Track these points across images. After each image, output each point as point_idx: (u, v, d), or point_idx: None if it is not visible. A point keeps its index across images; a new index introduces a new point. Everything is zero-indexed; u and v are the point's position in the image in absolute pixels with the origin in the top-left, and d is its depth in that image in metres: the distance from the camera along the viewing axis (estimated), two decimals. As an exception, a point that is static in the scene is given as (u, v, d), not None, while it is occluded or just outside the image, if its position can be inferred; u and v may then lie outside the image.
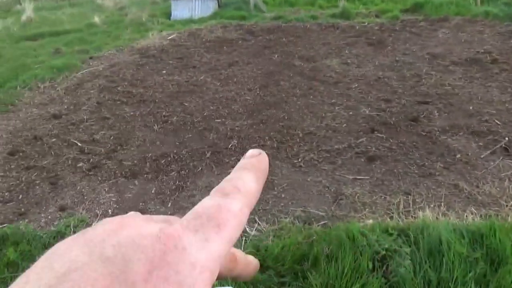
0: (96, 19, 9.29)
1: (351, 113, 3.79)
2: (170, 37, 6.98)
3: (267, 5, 9.11)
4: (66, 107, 4.44)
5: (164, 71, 5.32)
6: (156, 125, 3.86)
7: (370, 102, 3.99)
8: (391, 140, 3.30)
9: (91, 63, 5.94)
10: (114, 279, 0.18)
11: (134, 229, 0.21)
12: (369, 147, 3.23)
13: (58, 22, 9.69)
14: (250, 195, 0.24)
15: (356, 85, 4.41)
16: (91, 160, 3.36)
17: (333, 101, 4.06)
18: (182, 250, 0.20)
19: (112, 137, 3.69)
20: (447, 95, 3.98)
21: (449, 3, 7.19)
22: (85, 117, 4.12)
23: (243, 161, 0.27)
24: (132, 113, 4.14)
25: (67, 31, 8.45)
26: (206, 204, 0.23)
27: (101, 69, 5.63)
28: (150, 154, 3.34)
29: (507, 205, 2.47)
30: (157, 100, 4.40)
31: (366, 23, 6.81)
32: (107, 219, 0.24)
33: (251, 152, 0.27)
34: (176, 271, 0.19)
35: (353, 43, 5.88)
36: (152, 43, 6.71)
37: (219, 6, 9.03)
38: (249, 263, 0.31)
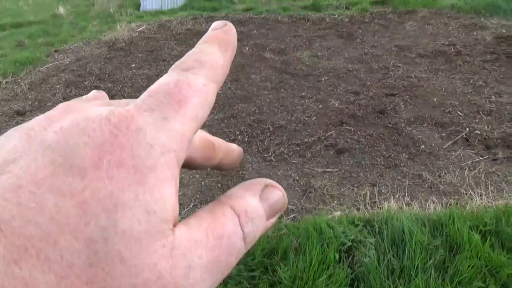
0: (61, 9, 8.98)
1: (320, 106, 3.85)
2: (139, 29, 6.84)
3: (238, -4, 9.05)
4: (30, 103, 4.30)
5: (134, 65, 5.22)
6: (125, 121, 3.79)
7: (339, 95, 4.06)
8: (359, 133, 3.38)
9: (56, 57, 5.75)
10: (56, 168, 0.16)
11: (80, 113, 0.19)
12: (338, 139, 3.30)
13: (20, 12, 9.31)
14: (216, 68, 0.21)
15: (326, 78, 4.47)
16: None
17: (303, 94, 4.11)
18: (136, 131, 0.17)
19: (79, 134, 3.61)
20: (413, 87, 4.10)
21: (416, -4, 7.35)
22: (51, 113, 4.00)
23: (206, 34, 0.23)
24: (100, 109, 4.05)
25: (30, 22, 8.14)
26: (162, 81, 0.20)
27: (67, 62, 5.46)
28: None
29: (466, 194, 2.59)
30: (126, 95, 4.32)
31: (337, 15, 6.88)
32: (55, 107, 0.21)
33: (215, 24, 0.24)
34: (131, 155, 0.17)
35: (323, 35, 5.93)
36: (121, 35, 6.55)
37: (189, -3, 8.90)
38: (231, 150, 0.27)
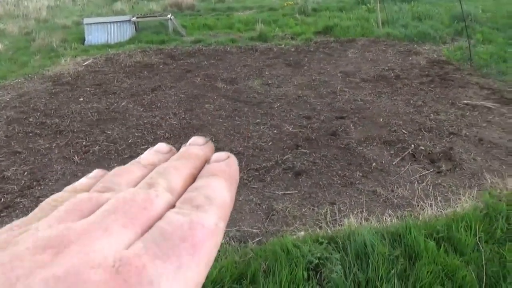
0: (-1, 45, 8.58)
1: (275, 131, 3.95)
2: (85, 63, 6.70)
3: (186, 28, 9.19)
4: (-32, 143, 4.01)
5: (82, 99, 5.08)
6: (76, 156, 3.65)
7: (292, 119, 4.20)
8: (314, 155, 3.49)
9: (-4, 94, 5.45)
10: None
11: (79, 251, 0.16)
12: (295, 162, 3.39)
13: (-47, 49, 8.76)
14: (225, 206, 0.20)
15: (278, 104, 4.62)
16: (2, 199, 3.07)
17: (257, 120, 4.20)
18: (148, 285, 0.16)
19: (26, 173, 3.41)
20: (360, 109, 4.34)
21: (355, 26, 7.90)
22: (-8, 152, 3.75)
23: (209, 166, 0.23)
24: (47, 145, 3.87)
25: (-35, 59, 7.67)
26: (174, 219, 0.18)
27: (8, 99, 5.19)
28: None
29: (418, 205, 2.75)
30: (75, 130, 4.17)
31: (283, 45, 7.19)
32: (37, 224, 0.18)
33: (217, 155, 0.24)
34: None
35: (272, 64, 6.16)
36: (66, 69, 6.37)
37: (136, 30, 8.89)
38: None
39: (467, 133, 3.70)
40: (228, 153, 0.24)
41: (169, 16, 8.86)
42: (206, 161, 0.23)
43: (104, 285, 0.15)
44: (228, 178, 0.22)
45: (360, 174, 3.20)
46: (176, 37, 8.33)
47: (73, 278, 0.15)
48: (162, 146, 0.26)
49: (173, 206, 0.20)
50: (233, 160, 0.23)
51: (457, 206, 2.66)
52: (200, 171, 0.22)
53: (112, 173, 0.23)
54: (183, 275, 0.17)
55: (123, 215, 0.18)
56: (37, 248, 0.16)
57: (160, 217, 0.19)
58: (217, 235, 0.19)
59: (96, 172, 0.24)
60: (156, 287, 0.16)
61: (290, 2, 12.10)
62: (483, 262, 2.11)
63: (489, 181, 2.96)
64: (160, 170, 0.22)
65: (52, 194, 0.21)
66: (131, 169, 0.23)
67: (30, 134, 4.11)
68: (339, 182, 3.12)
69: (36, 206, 0.21)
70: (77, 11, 13.33)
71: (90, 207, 0.19)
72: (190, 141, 0.25)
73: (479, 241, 2.26)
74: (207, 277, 2.04)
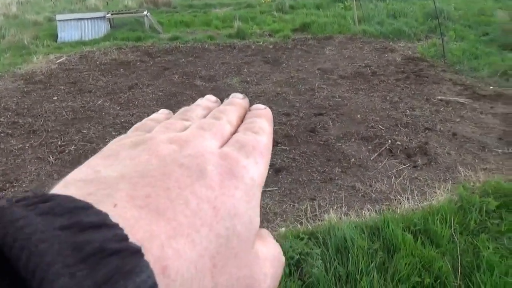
0: (-34, 43, 8.24)
1: (255, 128, 3.95)
2: (59, 61, 6.51)
3: (163, 25, 9.06)
4: None
5: (56, 98, 4.94)
6: (51, 156, 3.55)
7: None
8: (294, 151, 3.52)
9: (-36, 93, 5.23)
10: (193, 180, 0.20)
11: (195, 144, 0.23)
12: (275, 159, 3.40)
13: None
14: (270, 135, 0.28)
15: (258, 101, 4.59)
16: (-27, 202, 2.95)
17: (237, 118, 4.19)
18: (242, 168, 0.22)
19: (-2, 174, 3.30)
20: (338, 106, 4.40)
21: (332, 23, 7.97)
22: (-39, 154, 3.61)
23: (254, 111, 0.30)
24: (20, 146, 3.75)
25: None
26: (243, 137, 0.25)
27: (-23, 98, 4.99)
28: (46, 189, 3.05)
29: (395, 199, 2.81)
30: (50, 130, 4.06)
31: (261, 43, 7.19)
32: (153, 133, 0.25)
33: (256, 105, 0.31)
34: (242, 182, 0.22)
35: (250, 61, 6.15)
36: (38, 67, 6.18)
37: (111, 27, 8.71)
38: None
39: (441, 128, 3.80)
40: (265, 106, 0.31)
41: (145, 12, 8.72)
42: (246, 110, 0.30)
43: (218, 162, 0.22)
44: (269, 119, 0.29)
45: (339, 170, 3.24)
46: (153, 34, 8.20)
47: (201, 157, 0.22)
48: (211, 96, 0.33)
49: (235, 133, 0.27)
50: (268, 110, 0.31)
51: (432, 199, 2.73)
52: (243, 115, 0.30)
53: (183, 110, 0.30)
54: (259, 167, 0.24)
55: (208, 131, 0.25)
56: (166, 142, 0.23)
57: (229, 139, 0.26)
58: (269, 151, 0.26)
59: (163, 110, 0.31)
60: (247, 170, 0.23)
61: (267, -1, 12.10)
62: (458, 253, 2.18)
63: (462, 175, 3.05)
64: (220, 109, 0.29)
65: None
66: (196, 109, 0.30)
67: (2, 134, 3.97)
68: (318, 178, 3.15)
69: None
70: (49, 7, 12.94)
71: (180, 127, 0.26)
72: (232, 95, 0.31)
73: (454, 232, 2.32)
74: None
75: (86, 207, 0.17)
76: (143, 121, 0.29)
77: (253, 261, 0.21)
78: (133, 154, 0.22)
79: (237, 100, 0.31)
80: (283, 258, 0.25)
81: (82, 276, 0.14)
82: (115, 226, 0.16)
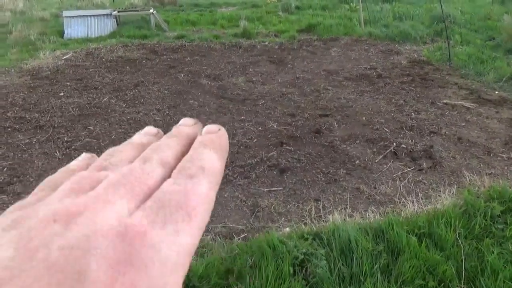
0: (-27, 37, 8.29)
1: (260, 128, 3.97)
2: (65, 57, 6.54)
3: (169, 24, 9.09)
4: None
5: (62, 93, 4.97)
6: (57, 152, 3.57)
7: (277, 117, 4.22)
8: (298, 152, 3.53)
9: (-29, 87, 5.27)
10: None
11: (87, 220, 0.17)
12: (280, 159, 3.41)
13: None
14: (216, 175, 0.22)
15: (263, 101, 4.63)
16: (-20, 196, 2.98)
17: (242, 117, 4.21)
18: (150, 248, 0.17)
19: (5, 169, 3.32)
20: (343, 107, 4.40)
21: (338, 25, 7.98)
22: (-32, 148, 3.64)
23: (201, 138, 0.24)
24: (27, 141, 3.78)
25: None
26: (170, 189, 0.20)
27: (-16, 93, 5.03)
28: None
29: (400, 202, 2.82)
30: (56, 125, 4.08)
31: (267, 43, 7.20)
32: (43, 201, 0.19)
33: (208, 127, 0.25)
34: (144, 275, 0.17)
35: (256, 61, 6.17)
36: (45, 63, 6.21)
37: (117, 24, 8.74)
38: None
39: (446, 132, 3.80)
40: (219, 126, 0.25)
41: (151, 10, 8.74)
42: (192, 139, 0.25)
43: (112, 250, 0.17)
44: (219, 148, 0.23)
45: (344, 171, 3.25)
46: (159, 32, 8.23)
47: (86, 245, 0.16)
48: (150, 129, 0.27)
49: (168, 178, 0.21)
50: (223, 132, 0.25)
51: (437, 203, 2.74)
52: (189, 147, 0.24)
53: (107, 153, 0.24)
54: (180, 239, 0.18)
55: (123, 188, 0.19)
56: (48, 220, 0.17)
57: (156, 188, 0.20)
58: (209, 202, 0.21)
59: (85, 155, 0.26)
60: (157, 250, 0.17)
61: None
62: (462, 257, 2.19)
63: (467, 179, 3.05)
64: (153, 147, 0.23)
65: (32, 191, 0.22)
66: (124, 149, 0.25)
67: (9, 129, 3.99)
68: (323, 179, 3.16)
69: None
70: (55, 3, 12.99)
71: (90, 183, 0.20)
72: (180, 122, 0.26)
73: (459, 236, 2.33)
74: (195, 273, 2.05)
75: None
76: (58, 171, 0.24)
77: None
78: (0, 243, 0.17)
79: (183, 128, 0.25)
80: None
81: None
82: None
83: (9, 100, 4.74)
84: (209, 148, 0.23)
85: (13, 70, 5.94)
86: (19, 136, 3.87)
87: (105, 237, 0.17)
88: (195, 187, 0.20)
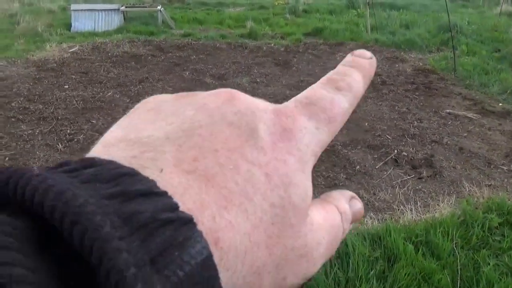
0: (-19, 26, 8.33)
1: (262, 129, 3.97)
2: (71, 50, 6.57)
3: (176, 21, 9.11)
4: None
5: (67, 86, 4.99)
6: (60, 144, 3.59)
7: (279, 119, 4.23)
8: (299, 154, 3.53)
9: (-23, 76, 5.30)
10: (244, 142, 0.19)
11: (246, 100, 0.21)
12: (280, 161, 3.42)
13: None
14: (357, 96, 0.24)
15: (266, 102, 4.64)
16: (-19, 184, 3.00)
17: (245, 118, 4.22)
18: (298, 129, 0.20)
19: (7, 158, 3.34)
20: (345, 112, 4.41)
21: (344, 30, 7.99)
22: (-28, 136, 3.66)
23: (354, 58, 0.26)
24: (30, 132, 3.80)
25: None
26: (320, 93, 0.23)
27: (-10, 82, 5.05)
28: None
29: (398, 209, 2.83)
30: (59, 117, 4.10)
31: (273, 44, 7.21)
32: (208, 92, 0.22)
33: (361, 51, 0.27)
34: (296, 147, 0.20)
35: (261, 62, 6.18)
36: (51, 55, 6.23)
37: (124, 19, 8.77)
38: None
39: (448, 142, 3.81)
40: (372, 55, 0.27)
41: (159, 7, 8.77)
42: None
43: (271, 121, 0.20)
44: (367, 76, 0.25)
45: (344, 176, 3.25)
46: (165, 30, 8.26)
47: (252, 115, 0.20)
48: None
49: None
50: (374, 61, 0.26)
51: (435, 212, 2.74)
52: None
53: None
54: (319, 135, 0.21)
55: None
56: (214, 95, 0.21)
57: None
58: (346, 117, 0.23)
59: None
60: (303, 132, 0.21)
61: (281, 2, 12.14)
62: (459, 267, 2.19)
63: (467, 189, 3.06)
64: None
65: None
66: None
67: (12, 119, 4.01)
68: (323, 183, 3.17)
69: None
70: (64, -4, 13.02)
71: None
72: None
73: (456, 246, 2.33)
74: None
75: (131, 174, 0.16)
76: None
77: (308, 231, 0.20)
78: (177, 108, 0.20)
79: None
80: (344, 227, 0.23)
81: (136, 249, 0.13)
82: (164, 194, 0.15)
83: (14, 90, 4.76)
84: (358, 70, 0.25)
85: (19, 61, 5.96)
86: (22, 126, 3.89)
87: (265, 112, 0.20)
88: (340, 99, 0.23)
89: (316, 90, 0.23)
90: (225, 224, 0.16)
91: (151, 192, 0.15)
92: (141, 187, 0.15)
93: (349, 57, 0.26)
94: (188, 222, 0.15)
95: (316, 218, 0.21)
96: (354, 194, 0.25)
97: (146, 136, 0.19)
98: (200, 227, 0.15)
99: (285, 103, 0.22)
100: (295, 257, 0.19)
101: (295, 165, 0.19)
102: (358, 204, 0.25)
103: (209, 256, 0.15)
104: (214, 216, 0.16)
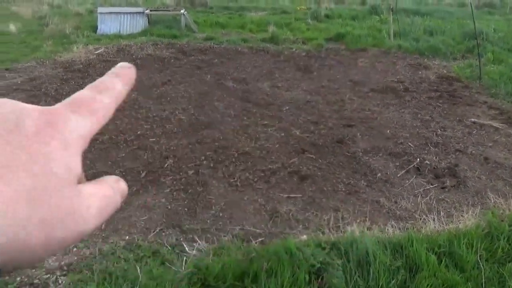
0: (12, 27, 8.63)
1: (283, 134, 3.98)
2: (97, 52, 6.73)
3: (198, 25, 9.23)
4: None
5: (92, 87, 5.10)
6: (85, 143, 3.67)
7: (300, 124, 4.23)
8: (320, 160, 3.52)
9: (7, 76, 5.49)
10: (10, 133, 0.23)
11: (19, 104, 0.25)
12: (301, 167, 3.42)
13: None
14: (119, 95, 0.30)
15: (287, 107, 4.65)
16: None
17: (266, 122, 4.23)
18: (64, 121, 0.25)
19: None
20: (367, 119, 4.37)
21: (367, 36, 7.93)
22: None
23: (115, 69, 0.32)
24: (57, 130, 3.90)
25: (-23, 38, 7.72)
26: (82, 94, 0.28)
27: (19, 82, 5.23)
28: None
29: (420, 218, 2.78)
30: (85, 117, 4.20)
31: (294, 49, 7.22)
32: None
33: (123, 63, 0.32)
34: (60, 132, 0.24)
35: (282, 67, 6.19)
36: (78, 56, 6.41)
37: (148, 22, 8.93)
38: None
39: (473, 151, 3.73)
40: (131, 65, 0.32)
41: (182, 11, 8.90)
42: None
43: (37, 116, 0.24)
44: (126, 78, 0.31)
45: (365, 184, 3.22)
46: (188, 33, 8.37)
47: (19, 111, 0.24)
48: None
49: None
50: (133, 69, 0.32)
51: (459, 223, 2.68)
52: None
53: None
54: (84, 122, 0.26)
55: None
56: None
57: None
58: (108, 110, 0.28)
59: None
60: (68, 123, 0.25)
61: (303, 7, 12.15)
62: (483, 280, 2.14)
63: (492, 201, 2.98)
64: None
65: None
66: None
67: (40, 118, 4.14)
68: (343, 189, 3.15)
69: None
70: (91, -1, 13.37)
71: None
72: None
73: (480, 259, 2.28)
74: (211, 272, 2.07)
75: None
76: None
77: (74, 195, 0.24)
78: None
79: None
80: (116, 198, 0.28)
81: None
82: None
83: (42, 90, 4.91)
84: (119, 77, 0.31)
85: (47, 61, 6.16)
86: (49, 125, 4.00)
87: (33, 110, 0.25)
88: (100, 97, 0.28)
89: (81, 92, 0.28)
90: None
91: None
92: None
93: (112, 69, 0.32)
94: None
95: (87, 189, 0.26)
96: (119, 178, 0.31)
97: None
98: None
99: (53, 105, 0.26)
100: (62, 214, 0.23)
101: (57, 146, 0.24)
102: (122, 184, 0.30)
103: None
104: None
